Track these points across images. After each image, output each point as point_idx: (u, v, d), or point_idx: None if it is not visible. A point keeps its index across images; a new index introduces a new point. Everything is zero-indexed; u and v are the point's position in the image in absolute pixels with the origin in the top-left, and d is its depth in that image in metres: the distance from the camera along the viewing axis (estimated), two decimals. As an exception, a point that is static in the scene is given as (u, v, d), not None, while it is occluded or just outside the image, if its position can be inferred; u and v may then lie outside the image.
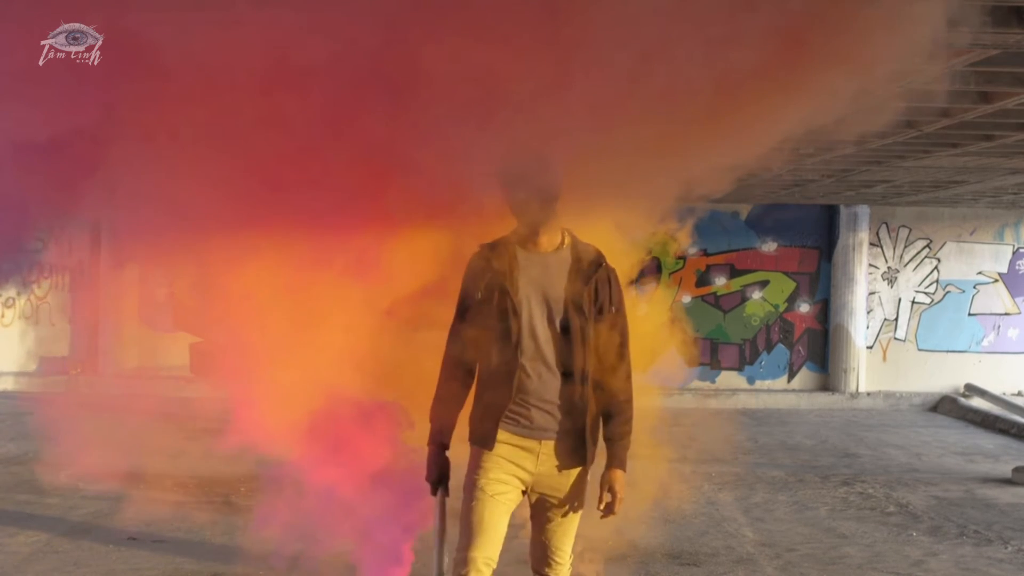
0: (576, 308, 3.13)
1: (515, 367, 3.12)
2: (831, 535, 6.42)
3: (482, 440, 3.20)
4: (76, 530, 6.05)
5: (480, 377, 3.26)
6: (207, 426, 5.59)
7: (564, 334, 3.14)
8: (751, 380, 13.53)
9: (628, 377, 3.26)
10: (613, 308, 3.21)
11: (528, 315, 3.14)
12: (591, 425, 3.20)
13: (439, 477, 3.28)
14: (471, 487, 3.19)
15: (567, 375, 3.15)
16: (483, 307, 3.17)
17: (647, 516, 6.51)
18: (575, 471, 3.23)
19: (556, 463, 3.19)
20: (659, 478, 7.75)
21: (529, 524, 3.36)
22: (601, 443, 3.28)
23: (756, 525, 6.63)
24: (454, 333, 3.28)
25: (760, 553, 5.94)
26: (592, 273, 3.18)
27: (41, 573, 5.23)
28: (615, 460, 3.22)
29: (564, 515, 3.25)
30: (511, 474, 3.18)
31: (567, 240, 3.24)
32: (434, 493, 3.31)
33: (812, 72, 3.43)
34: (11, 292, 13.42)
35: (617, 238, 4.32)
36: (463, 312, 3.25)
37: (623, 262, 4.24)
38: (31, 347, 13.54)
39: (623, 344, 3.25)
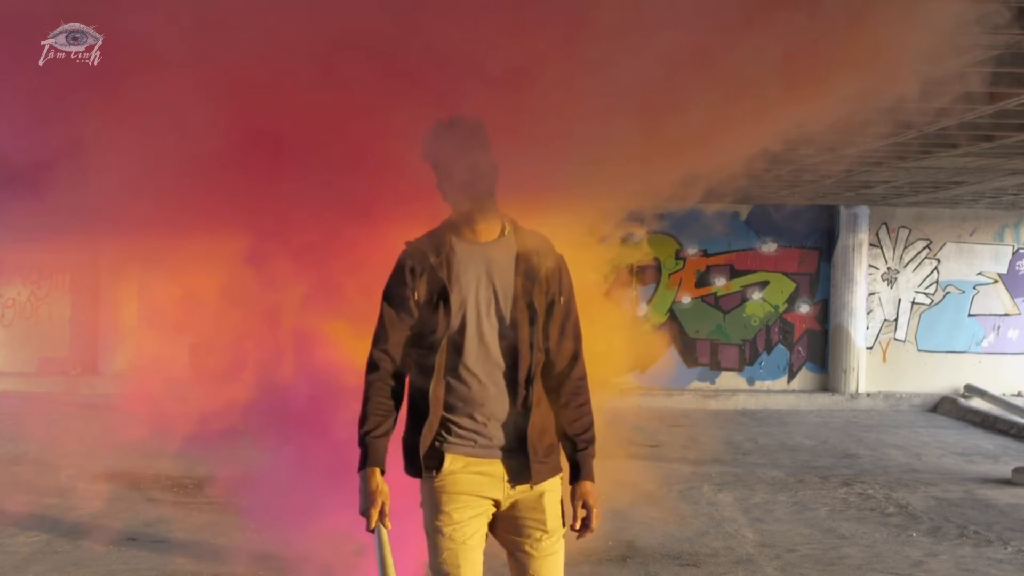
0: (527, 303, 2.76)
1: (459, 375, 2.73)
2: (831, 535, 6.42)
3: (425, 464, 2.76)
4: (76, 530, 6.05)
5: (415, 392, 2.81)
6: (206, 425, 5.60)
7: (512, 332, 2.75)
8: (751, 381, 13.54)
9: (583, 377, 2.88)
10: (563, 299, 2.82)
11: (475, 314, 2.74)
12: (536, 432, 2.77)
13: (376, 508, 2.70)
14: (435, 534, 2.76)
15: (515, 378, 2.76)
16: (421, 309, 2.76)
17: (647, 516, 6.52)
18: (546, 485, 2.83)
19: (523, 482, 2.79)
20: (659, 478, 7.77)
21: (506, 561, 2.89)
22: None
23: (756, 525, 6.63)
24: (380, 341, 2.79)
25: (760, 553, 5.93)
26: (541, 260, 2.80)
27: (41, 573, 5.23)
28: (584, 471, 2.82)
29: (550, 542, 2.83)
30: (477, 509, 2.77)
31: (508, 227, 2.83)
32: (371, 528, 2.70)
33: (818, 75, 3.43)
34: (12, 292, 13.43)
35: (611, 239, 4.33)
36: (392, 317, 2.78)
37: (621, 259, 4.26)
38: (31, 347, 13.53)
39: (576, 339, 2.87)
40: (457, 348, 2.75)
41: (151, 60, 3.50)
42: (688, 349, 13.48)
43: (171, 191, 3.98)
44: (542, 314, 2.78)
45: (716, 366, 13.54)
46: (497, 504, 2.80)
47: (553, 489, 2.85)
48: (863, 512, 7.11)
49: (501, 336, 2.76)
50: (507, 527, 2.84)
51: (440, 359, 2.73)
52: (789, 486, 7.98)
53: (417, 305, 2.76)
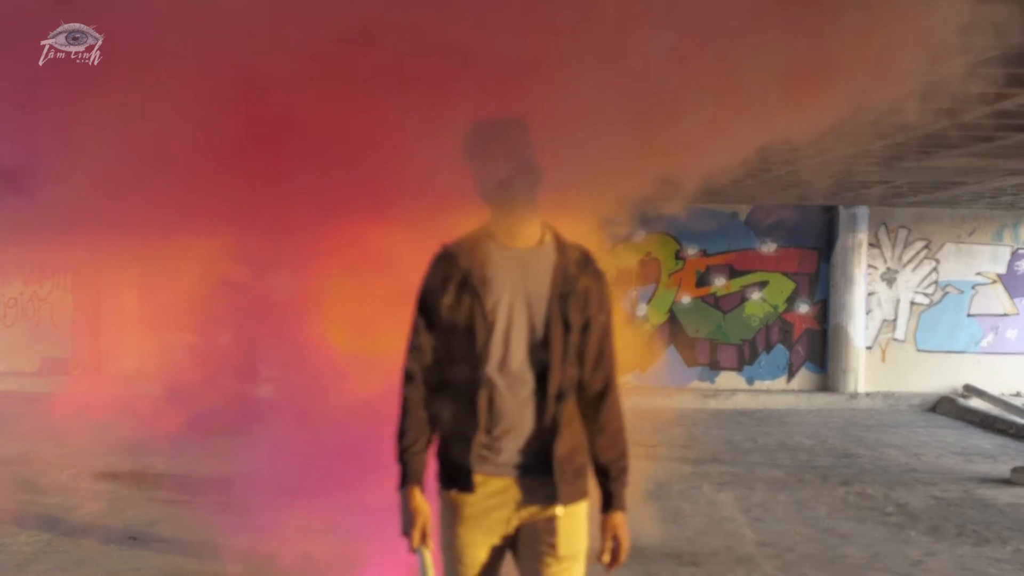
0: (561, 315, 2.60)
1: (486, 386, 2.59)
2: (830, 535, 6.44)
3: (452, 483, 2.66)
4: (77, 530, 6.06)
5: (447, 401, 2.69)
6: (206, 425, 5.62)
7: (543, 344, 2.60)
8: (750, 380, 13.55)
9: (619, 401, 2.74)
10: (602, 317, 2.68)
11: (505, 321, 2.60)
12: (565, 452, 2.63)
13: (418, 528, 2.62)
14: (446, 555, 2.69)
15: (545, 393, 2.61)
16: (451, 315, 2.62)
17: (647, 515, 6.52)
18: (567, 511, 2.66)
19: (540, 504, 2.64)
20: (659, 478, 7.78)
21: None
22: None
23: (755, 525, 6.64)
24: (414, 350, 2.68)
25: (759, 553, 5.95)
26: (580, 273, 2.65)
27: (42, 573, 5.24)
28: (615, 501, 2.70)
29: (559, 568, 2.67)
30: (488, 530, 2.65)
31: (548, 235, 2.69)
32: (414, 549, 2.63)
33: (821, 76, 3.44)
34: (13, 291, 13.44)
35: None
36: (424, 324, 2.67)
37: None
38: (32, 347, 13.53)
39: (613, 362, 2.73)
40: (485, 357, 2.60)
41: (145, 56, 3.51)
42: (688, 349, 13.49)
43: (168, 190, 3.99)
44: (577, 329, 2.63)
45: (716, 366, 13.55)
46: (512, 526, 2.67)
47: (573, 514, 2.68)
48: (862, 511, 7.12)
49: (529, 348, 2.61)
50: (520, 549, 2.71)
51: (485, 368, 2.59)
52: (788, 485, 7.99)
53: (449, 311, 2.62)
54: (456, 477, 2.65)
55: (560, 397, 2.61)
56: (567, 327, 2.61)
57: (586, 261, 2.69)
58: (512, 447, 2.62)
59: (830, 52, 3.45)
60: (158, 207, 4.07)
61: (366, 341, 4.14)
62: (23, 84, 3.71)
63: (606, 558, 2.67)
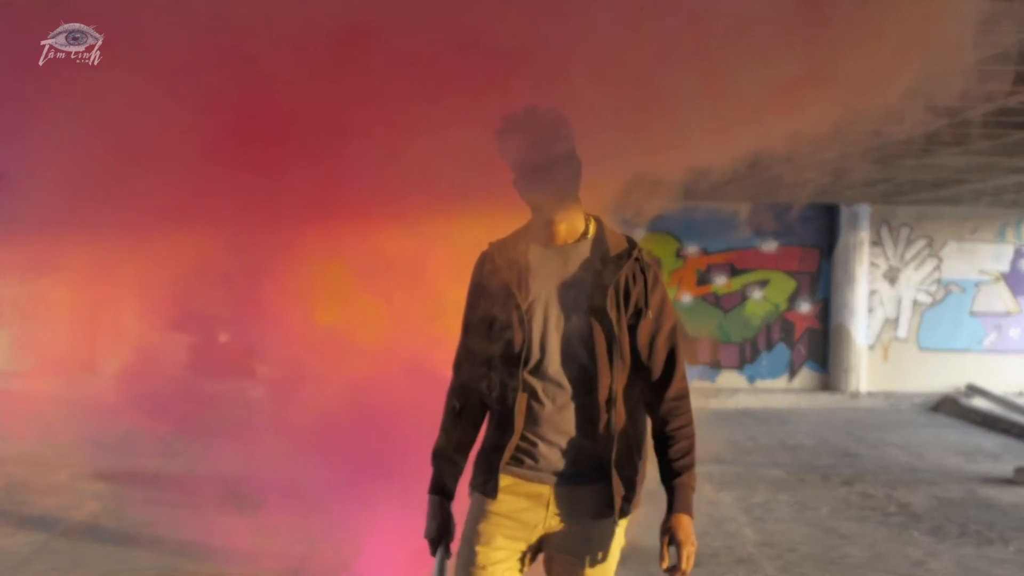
0: (599, 311, 2.47)
1: (524, 390, 2.49)
2: (832, 535, 6.41)
3: (477, 484, 2.59)
4: (75, 530, 6.04)
5: (485, 407, 2.64)
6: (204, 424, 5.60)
7: (585, 345, 2.48)
8: (752, 379, 13.52)
9: (682, 396, 2.63)
10: (650, 311, 2.51)
11: (541, 324, 2.49)
12: (620, 462, 2.52)
13: (438, 534, 2.63)
14: (463, 550, 2.59)
15: (589, 398, 2.49)
16: (488, 319, 2.54)
17: (647, 516, 6.50)
18: (601, 523, 2.54)
19: (574, 514, 2.53)
20: (659, 478, 7.76)
21: None
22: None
23: (756, 525, 6.61)
24: (459, 355, 2.64)
25: (760, 553, 5.92)
26: (619, 266, 2.49)
27: (40, 573, 5.22)
28: (679, 503, 2.51)
29: None
30: (513, 538, 2.54)
31: (592, 228, 2.56)
32: (433, 552, 2.66)
33: (825, 73, 3.42)
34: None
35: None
36: (468, 329, 2.62)
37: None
38: (28, 346, 13.51)
39: (671, 355, 2.59)
40: (522, 362, 2.51)
41: (139, 51, 3.49)
42: (688, 348, 13.47)
43: (160, 186, 3.96)
44: (621, 327, 2.49)
45: (717, 365, 13.53)
46: (539, 533, 2.56)
47: (601, 528, 2.55)
48: (864, 511, 7.10)
49: (566, 350, 2.49)
50: (550, 562, 2.61)
51: (520, 372, 2.49)
52: (790, 485, 7.96)
53: (486, 314, 2.55)
54: (483, 481, 2.58)
55: (611, 402, 2.50)
56: (607, 326, 2.48)
57: (628, 252, 2.54)
58: (551, 453, 2.52)
59: (830, 52, 3.43)
60: (153, 203, 4.06)
61: (361, 336, 4.13)
62: (17, 82, 3.69)
63: (664, 564, 2.47)
